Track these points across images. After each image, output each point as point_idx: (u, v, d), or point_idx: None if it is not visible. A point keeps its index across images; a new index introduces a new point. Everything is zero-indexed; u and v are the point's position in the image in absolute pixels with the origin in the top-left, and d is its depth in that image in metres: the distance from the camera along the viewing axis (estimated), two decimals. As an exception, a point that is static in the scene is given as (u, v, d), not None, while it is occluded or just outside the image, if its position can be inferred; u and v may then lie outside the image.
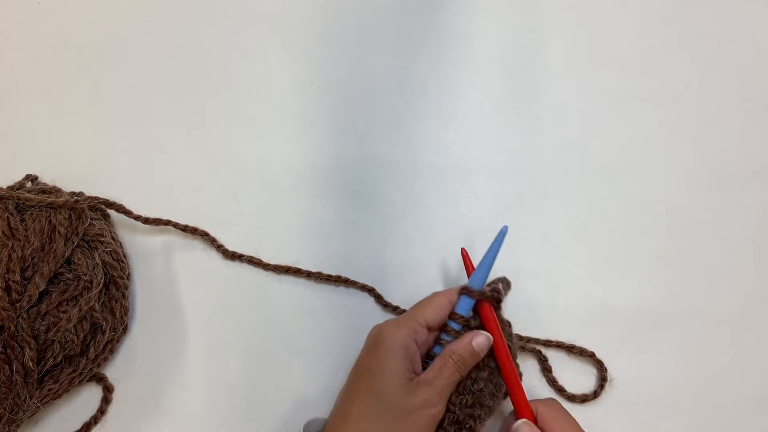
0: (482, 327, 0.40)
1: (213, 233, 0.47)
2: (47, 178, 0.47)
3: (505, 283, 0.43)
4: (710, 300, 0.47)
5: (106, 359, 0.43)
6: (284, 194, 0.48)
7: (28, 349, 0.37)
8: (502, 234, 0.40)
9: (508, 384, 0.39)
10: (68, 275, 0.40)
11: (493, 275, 0.41)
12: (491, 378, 0.39)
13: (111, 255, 0.43)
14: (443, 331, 0.40)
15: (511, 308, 0.46)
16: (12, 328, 0.37)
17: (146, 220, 0.45)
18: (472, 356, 0.38)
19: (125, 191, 0.47)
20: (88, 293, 0.40)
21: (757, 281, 0.47)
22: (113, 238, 0.45)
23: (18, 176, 0.46)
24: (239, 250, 0.46)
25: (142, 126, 0.50)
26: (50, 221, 0.41)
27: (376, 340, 0.39)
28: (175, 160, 0.49)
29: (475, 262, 0.41)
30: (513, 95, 0.51)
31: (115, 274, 0.43)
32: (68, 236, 0.40)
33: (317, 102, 0.50)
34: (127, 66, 0.51)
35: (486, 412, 0.39)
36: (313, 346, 0.46)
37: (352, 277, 0.46)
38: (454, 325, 0.40)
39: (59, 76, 0.50)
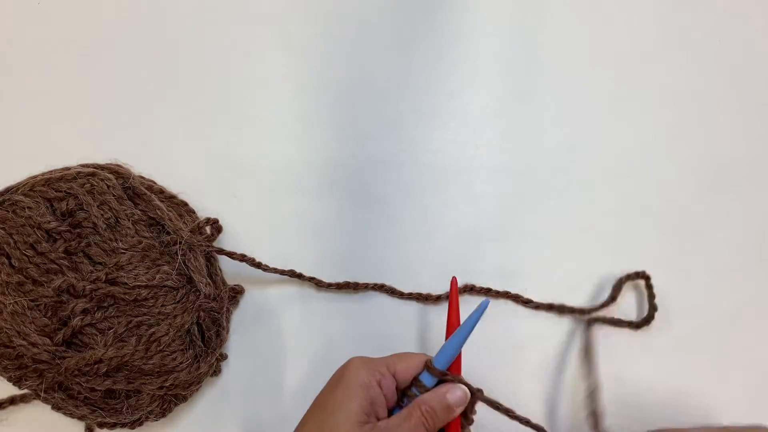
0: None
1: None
2: (47, 178, 0.47)
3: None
4: (710, 300, 0.47)
5: None
6: (284, 194, 0.48)
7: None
8: (482, 308, 0.36)
9: None
10: None
11: (491, 276, 0.41)
12: None
13: None
14: (413, 384, 0.36)
15: (510, 308, 0.46)
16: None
17: (266, 268, 0.44)
18: (444, 411, 0.35)
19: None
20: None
21: (758, 281, 0.47)
22: None
23: (18, 176, 0.46)
24: (238, 250, 0.46)
25: (141, 126, 0.50)
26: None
27: (339, 375, 0.36)
28: (175, 160, 0.49)
29: (470, 262, 0.41)
30: (513, 95, 0.51)
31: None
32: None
33: (317, 102, 0.50)
34: (127, 66, 0.51)
35: None
36: (317, 349, 0.46)
37: (352, 278, 0.46)
38: (426, 380, 0.36)
39: (59, 76, 0.50)
